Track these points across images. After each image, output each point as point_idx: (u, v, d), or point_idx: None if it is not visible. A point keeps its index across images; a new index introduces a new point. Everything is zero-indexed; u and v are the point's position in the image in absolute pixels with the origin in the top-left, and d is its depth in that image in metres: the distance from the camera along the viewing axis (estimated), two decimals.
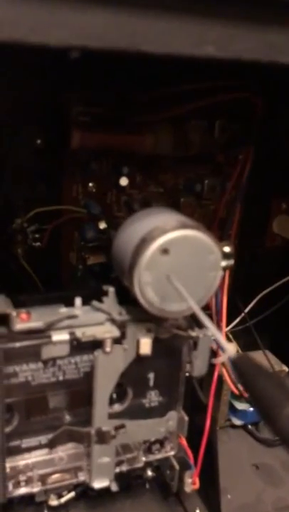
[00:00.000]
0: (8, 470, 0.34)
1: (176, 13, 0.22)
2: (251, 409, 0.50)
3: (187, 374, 0.38)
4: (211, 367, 0.41)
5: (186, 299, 0.29)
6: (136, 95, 0.41)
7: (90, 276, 0.48)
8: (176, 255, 0.31)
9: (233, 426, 0.52)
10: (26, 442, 0.35)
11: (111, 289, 0.36)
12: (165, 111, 0.43)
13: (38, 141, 0.43)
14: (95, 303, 0.35)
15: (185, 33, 0.23)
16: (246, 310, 0.52)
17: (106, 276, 0.43)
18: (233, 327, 0.52)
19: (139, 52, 0.22)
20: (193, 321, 0.36)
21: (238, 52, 0.23)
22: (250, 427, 0.52)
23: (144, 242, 0.31)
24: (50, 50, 0.21)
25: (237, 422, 0.51)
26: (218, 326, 0.43)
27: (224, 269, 0.33)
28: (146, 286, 0.31)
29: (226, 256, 0.33)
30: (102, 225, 0.45)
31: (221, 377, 0.46)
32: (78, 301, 0.35)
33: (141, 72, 0.38)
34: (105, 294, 0.36)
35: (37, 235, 0.45)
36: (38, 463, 0.36)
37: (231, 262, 0.33)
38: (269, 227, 0.55)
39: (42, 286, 0.46)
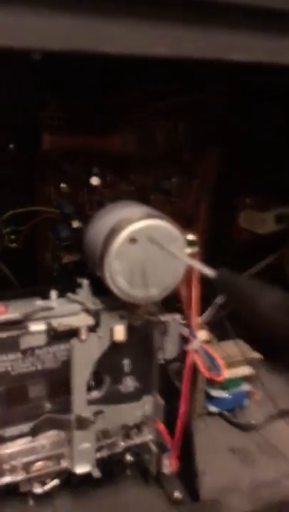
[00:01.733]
0: None
1: (130, 16, 0.25)
2: (226, 395, 0.52)
3: (162, 361, 0.40)
4: (185, 355, 0.43)
5: (173, 254, 0.31)
6: (104, 98, 0.44)
7: (65, 274, 0.50)
8: (144, 244, 0.33)
9: (210, 413, 0.54)
10: (9, 431, 0.36)
11: (85, 281, 0.38)
12: (131, 113, 0.45)
13: (11, 146, 0.45)
14: (69, 295, 0.37)
15: (139, 35, 0.25)
16: (216, 301, 0.54)
17: (81, 273, 0.45)
18: (208, 317, 0.54)
19: (96, 52, 0.24)
20: (163, 307, 0.38)
21: (187, 51, 0.26)
22: (225, 413, 0.53)
23: (113, 232, 0.33)
24: (13, 52, 0.23)
25: (213, 409, 0.53)
26: (190, 317, 0.45)
27: (189, 256, 0.35)
28: (117, 274, 0.33)
29: (190, 243, 0.35)
30: (76, 224, 0.47)
31: (195, 365, 0.48)
32: (54, 293, 0.37)
33: (108, 76, 0.40)
34: (79, 286, 0.38)
35: (13, 236, 0.47)
36: (21, 451, 0.37)
37: (195, 249, 0.35)
38: (236, 221, 0.57)
39: (19, 286, 0.47)
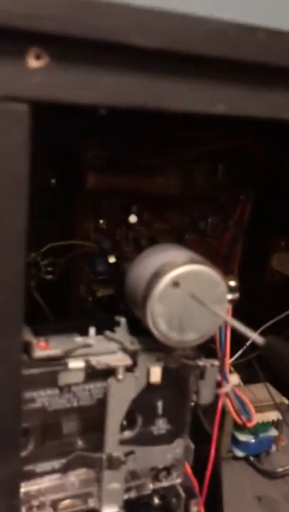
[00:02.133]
0: (21, 495, 0.36)
1: (192, 76, 0.26)
2: (253, 440, 0.52)
3: (192, 403, 0.40)
4: (215, 397, 0.42)
5: (215, 312, 0.31)
6: (148, 140, 0.45)
7: (98, 307, 0.50)
8: (186, 288, 0.33)
9: (235, 457, 0.53)
10: (40, 467, 0.36)
11: (123, 320, 0.38)
12: (174, 155, 0.46)
13: (53, 181, 0.46)
14: (108, 333, 0.37)
15: (200, 93, 0.26)
16: (248, 343, 0.54)
17: (114, 307, 0.45)
18: (236, 359, 0.54)
19: (161, 110, 0.25)
20: (200, 351, 0.38)
21: (244, 110, 0.27)
22: (252, 458, 0.53)
23: (157, 275, 0.33)
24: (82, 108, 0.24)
25: (239, 453, 0.52)
26: (223, 359, 0.45)
27: (230, 302, 0.36)
28: (159, 317, 0.33)
29: (231, 289, 0.35)
30: (112, 259, 0.48)
31: (224, 409, 0.48)
32: (92, 330, 0.37)
33: (152, 118, 0.41)
34: (117, 324, 0.38)
35: (50, 269, 0.48)
36: (50, 488, 0.37)
37: (236, 295, 0.36)
38: (269, 263, 0.57)
39: (53, 318, 0.48)
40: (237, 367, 0.55)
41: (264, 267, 0.58)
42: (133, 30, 0.24)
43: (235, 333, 0.49)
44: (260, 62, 0.26)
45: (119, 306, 0.42)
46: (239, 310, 0.54)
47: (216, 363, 0.37)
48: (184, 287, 0.33)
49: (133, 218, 0.49)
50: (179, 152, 0.45)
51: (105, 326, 0.38)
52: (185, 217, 0.52)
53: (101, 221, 0.49)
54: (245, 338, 0.55)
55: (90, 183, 0.43)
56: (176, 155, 0.45)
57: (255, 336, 0.26)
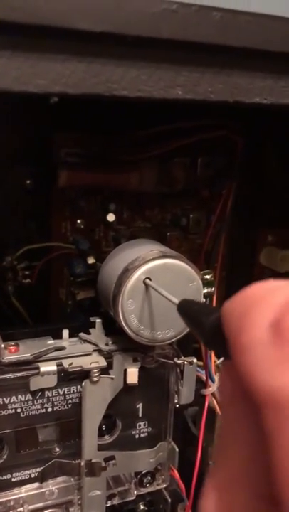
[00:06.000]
0: None
1: (144, 61, 0.25)
2: None
3: (177, 405, 0.39)
4: (202, 398, 0.41)
5: (169, 299, 0.30)
6: (121, 135, 0.44)
7: (79, 311, 0.49)
8: (158, 284, 0.32)
9: None
10: (17, 476, 0.35)
11: (98, 321, 0.37)
12: (149, 149, 0.45)
13: (28, 182, 0.45)
14: (82, 334, 0.36)
15: (155, 78, 0.25)
16: None
17: (95, 310, 0.44)
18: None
19: (116, 97, 0.24)
20: (179, 350, 0.36)
21: (203, 94, 0.26)
22: None
23: (127, 271, 0.32)
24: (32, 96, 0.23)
25: None
26: (209, 358, 0.44)
27: (206, 296, 0.34)
28: (130, 315, 0.32)
29: (207, 284, 0.34)
30: (91, 260, 0.46)
31: (213, 410, 0.47)
32: (66, 332, 0.36)
33: (126, 114, 0.40)
34: (93, 325, 0.37)
35: (27, 272, 0.47)
36: (28, 497, 0.36)
37: (212, 289, 0.34)
38: (257, 260, 0.56)
39: (32, 323, 0.46)
40: None
41: (252, 264, 0.56)
42: (78, 14, 0.23)
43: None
44: (216, 43, 0.25)
45: (100, 309, 0.41)
46: None
47: (195, 360, 0.36)
48: (156, 283, 0.32)
49: (111, 217, 0.47)
50: (155, 147, 0.44)
51: (81, 329, 0.37)
52: (166, 214, 0.51)
53: (79, 221, 0.47)
54: None
55: (62, 181, 0.41)
56: (152, 150, 0.44)
57: (173, 299, 0.28)
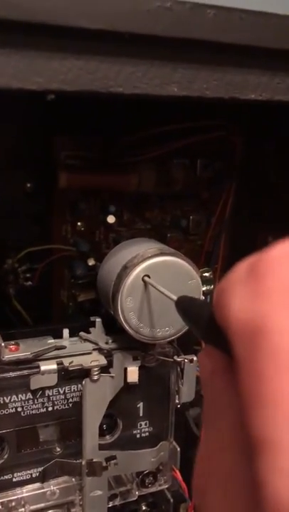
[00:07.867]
0: None
1: (139, 58, 0.25)
2: None
3: (178, 405, 0.38)
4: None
5: (168, 296, 0.30)
6: (120, 137, 0.44)
7: (80, 313, 0.49)
8: (157, 281, 0.32)
9: None
10: (17, 476, 0.35)
11: (98, 320, 0.37)
12: (148, 151, 0.45)
13: (28, 185, 0.45)
14: (82, 333, 0.36)
15: (151, 75, 0.25)
16: None
17: (96, 312, 0.44)
18: None
19: (113, 94, 0.25)
20: (179, 348, 0.36)
21: (198, 91, 0.26)
22: None
23: (126, 269, 0.32)
24: (29, 94, 0.24)
25: None
26: None
27: (205, 294, 0.34)
28: (130, 312, 0.32)
29: (205, 281, 0.34)
30: (92, 262, 0.47)
31: None
32: (66, 332, 0.36)
33: (125, 116, 0.40)
34: (93, 325, 0.37)
35: (28, 275, 0.47)
36: (29, 497, 0.35)
37: (211, 287, 0.35)
38: None
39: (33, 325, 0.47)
40: None
41: None
42: (75, 12, 0.23)
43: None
44: (210, 40, 0.26)
45: (101, 310, 0.41)
46: None
47: (195, 358, 0.36)
48: (155, 280, 0.32)
49: (111, 219, 0.47)
50: (154, 148, 0.44)
51: (81, 328, 0.37)
52: (166, 215, 0.51)
53: (79, 223, 0.48)
54: None
55: (62, 183, 0.42)
56: (151, 151, 0.44)
57: (172, 296, 0.28)
